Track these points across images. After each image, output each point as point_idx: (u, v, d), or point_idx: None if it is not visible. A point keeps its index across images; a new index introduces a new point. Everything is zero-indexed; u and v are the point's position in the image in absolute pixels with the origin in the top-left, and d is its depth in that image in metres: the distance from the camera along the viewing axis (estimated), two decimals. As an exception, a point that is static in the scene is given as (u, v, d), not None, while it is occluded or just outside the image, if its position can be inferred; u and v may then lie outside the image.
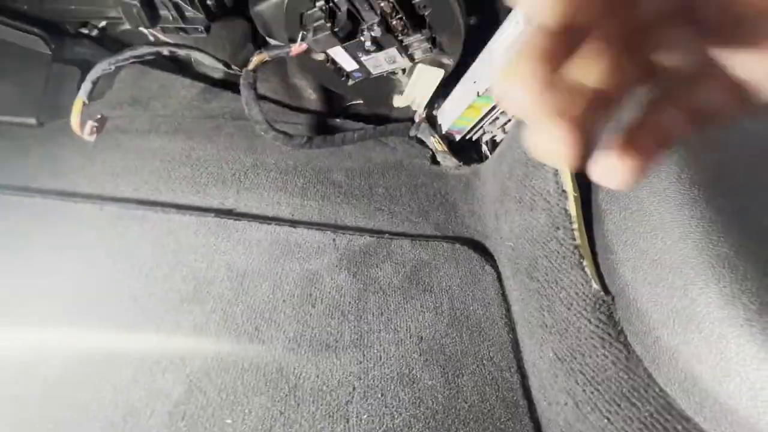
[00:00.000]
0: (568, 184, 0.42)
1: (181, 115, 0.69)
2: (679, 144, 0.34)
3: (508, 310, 0.53)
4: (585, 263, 0.40)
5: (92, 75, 0.54)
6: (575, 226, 0.41)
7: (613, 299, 0.38)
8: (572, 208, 0.41)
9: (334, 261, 0.55)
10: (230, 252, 0.54)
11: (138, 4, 0.55)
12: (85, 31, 0.71)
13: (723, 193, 0.32)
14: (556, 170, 0.44)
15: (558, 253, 0.42)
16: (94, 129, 0.53)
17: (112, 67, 0.55)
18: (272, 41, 0.70)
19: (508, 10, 0.61)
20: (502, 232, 0.58)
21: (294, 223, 0.59)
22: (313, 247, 0.56)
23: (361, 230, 0.62)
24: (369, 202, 0.68)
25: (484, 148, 0.84)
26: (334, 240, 0.57)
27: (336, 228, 0.60)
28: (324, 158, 0.73)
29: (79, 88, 0.60)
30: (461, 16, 0.59)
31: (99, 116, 0.54)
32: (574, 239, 0.41)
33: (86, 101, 0.53)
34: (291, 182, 0.66)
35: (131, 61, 0.56)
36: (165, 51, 0.58)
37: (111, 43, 0.74)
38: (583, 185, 0.43)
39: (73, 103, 0.58)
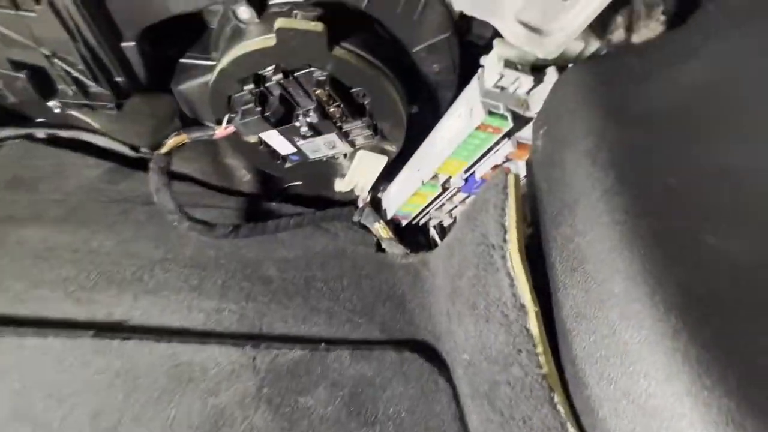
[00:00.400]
0: (527, 297, 0.37)
1: (77, 200, 0.58)
2: (648, 257, 0.30)
3: (468, 442, 0.44)
4: (556, 399, 0.33)
5: None
6: (539, 349, 0.35)
7: (594, 450, 0.31)
8: (534, 327, 0.35)
9: (251, 390, 0.43)
10: (103, 392, 0.40)
11: (23, 77, 0.46)
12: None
13: (707, 319, 0.27)
14: (511, 278, 0.38)
15: (522, 381, 0.35)
16: None
17: None
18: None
19: (450, 101, 0.61)
20: (455, 336, 0.51)
21: (204, 336, 0.47)
22: (224, 372, 0.44)
23: (291, 340, 0.51)
24: (304, 301, 0.58)
25: (432, 232, 0.80)
26: (253, 359, 0.46)
27: (258, 340, 0.49)
28: (254, 248, 0.63)
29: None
30: (402, 105, 0.56)
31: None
32: (540, 367, 0.34)
33: None
34: (209, 280, 0.56)
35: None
36: (39, 133, 0.49)
37: (1, 115, 0.63)
38: (542, 295, 0.38)
39: None
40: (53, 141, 0.62)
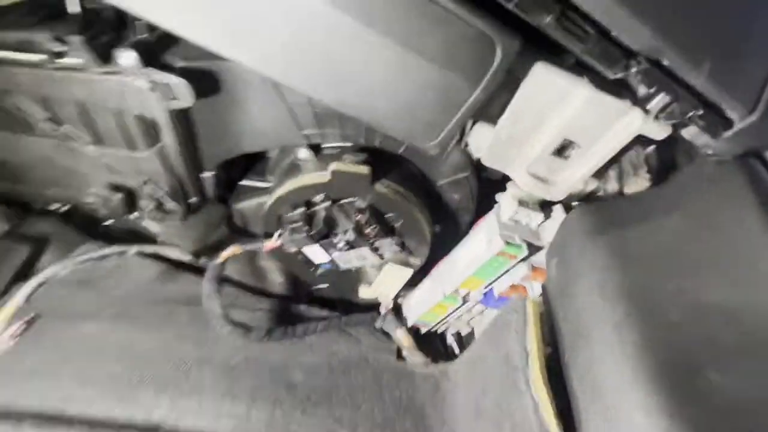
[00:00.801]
0: (552, 422, 0.39)
1: (131, 297, 0.64)
2: (662, 393, 0.34)
3: None
4: None
5: (40, 277, 0.50)
6: (568, 479, 0.36)
7: None
8: (561, 454, 0.37)
9: None
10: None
11: (120, 197, 0.56)
12: (53, 207, 0.71)
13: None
14: (536, 402, 0.41)
15: None
16: (18, 332, 0.46)
17: (66, 271, 0.52)
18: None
19: (468, 223, 0.69)
20: (479, 457, 0.51)
21: (234, 445, 0.48)
22: (253, 486, 0.44)
23: (316, 453, 0.51)
24: (328, 411, 0.59)
25: (450, 339, 0.82)
26: (281, 473, 0.46)
27: (286, 452, 0.50)
28: (282, 351, 0.66)
29: (20, 269, 0.55)
30: (428, 226, 0.65)
31: (31, 315, 0.48)
32: (569, 497, 0.35)
33: (22, 305, 0.47)
34: (239, 383, 0.58)
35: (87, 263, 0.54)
36: (132, 250, 0.57)
37: (78, 219, 0.73)
38: (567, 421, 0.40)
39: (3, 286, 0.52)
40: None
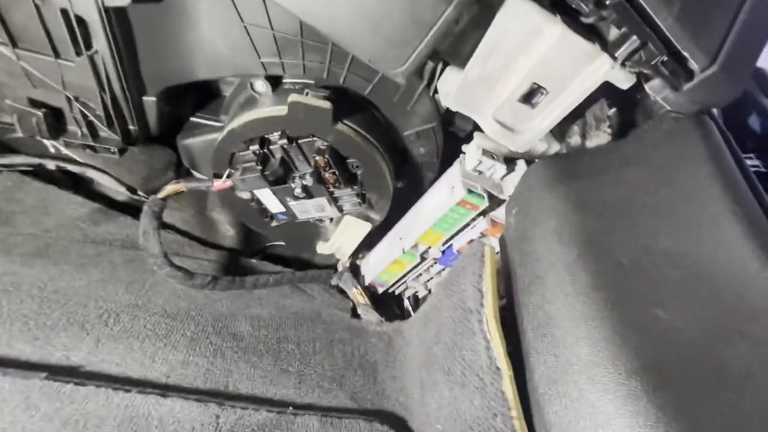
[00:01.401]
0: (502, 360, 0.39)
1: (53, 237, 0.57)
2: (608, 325, 0.34)
3: None
4: (530, 465, 0.33)
5: None
6: (514, 413, 0.35)
7: None
8: (508, 390, 0.37)
9: (210, 452, 0.40)
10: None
11: (41, 114, 0.49)
12: (-36, 131, 0.61)
13: (662, 385, 0.30)
14: (488, 341, 0.40)
15: (497, 448, 0.35)
16: None
17: None
18: (195, 173, 0.67)
19: (431, 181, 0.68)
20: (428, 408, 0.50)
21: (165, 389, 0.44)
22: (184, 429, 0.41)
23: (258, 401, 0.48)
24: (274, 361, 0.56)
25: (407, 303, 0.81)
26: (217, 417, 0.43)
27: (223, 398, 0.46)
28: (228, 302, 0.62)
29: None
30: (390, 178, 0.62)
31: None
32: (515, 430, 0.35)
33: None
34: (177, 331, 0.53)
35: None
36: (50, 165, 0.50)
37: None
38: (517, 363, 0.40)
39: None
40: (45, 176, 0.62)
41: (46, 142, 0.58)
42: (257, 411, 0.46)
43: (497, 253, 0.55)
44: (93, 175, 0.53)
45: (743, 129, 0.74)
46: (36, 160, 0.48)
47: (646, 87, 0.46)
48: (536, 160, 0.55)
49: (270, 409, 0.47)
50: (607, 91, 0.46)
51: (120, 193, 0.68)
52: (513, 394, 0.36)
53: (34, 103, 0.50)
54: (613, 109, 0.53)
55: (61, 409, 0.38)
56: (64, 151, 0.58)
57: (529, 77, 0.45)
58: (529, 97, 0.48)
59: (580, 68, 0.44)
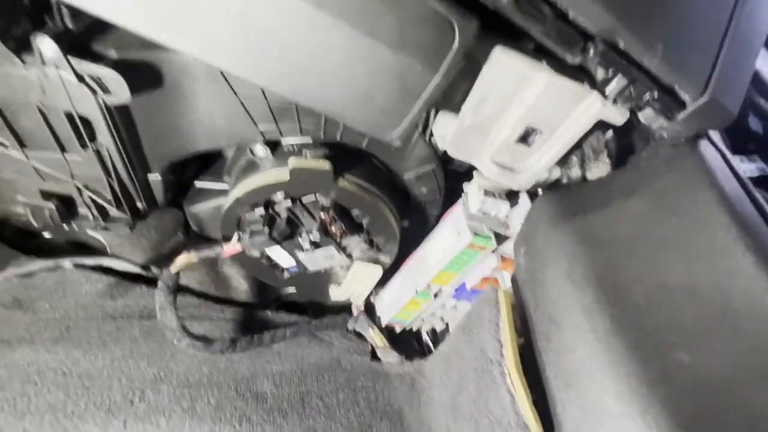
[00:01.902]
0: (529, 416, 0.38)
1: (73, 318, 0.58)
2: (633, 375, 0.34)
3: None
4: None
5: None
6: (547, 472, 0.35)
7: None
8: (539, 447, 0.36)
9: None
10: None
11: (53, 206, 0.51)
12: (-20, 221, 0.63)
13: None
14: (512, 395, 0.40)
15: None
16: None
17: None
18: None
19: (436, 216, 0.68)
20: (458, 456, 0.50)
21: (197, 469, 0.45)
22: None
23: (288, 468, 0.48)
24: (300, 420, 0.56)
25: (425, 337, 0.81)
26: (250, 494, 0.43)
27: (254, 470, 0.46)
28: (248, 361, 0.63)
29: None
30: (396, 222, 0.63)
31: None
32: (550, 490, 0.34)
33: None
34: (201, 400, 0.54)
35: (16, 282, 0.48)
36: (67, 264, 0.51)
37: (9, 231, 0.66)
38: (543, 411, 0.40)
39: None
40: (59, 252, 0.64)
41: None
42: (289, 480, 0.46)
43: (510, 288, 0.55)
44: (108, 263, 0.54)
45: (744, 131, 0.73)
46: (52, 263, 0.49)
47: (640, 116, 0.46)
48: (539, 192, 0.55)
49: (301, 475, 0.47)
50: (601, 122, 0.46)
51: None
52: (544, 451, 0.36)
53: (45, 195, 0.51)
54: (610, 135, 0.54)
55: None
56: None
57: (522, 122, 0.46)
58: (525, 138, 0.48)
59: (572, 108, 0.45)
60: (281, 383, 0.61)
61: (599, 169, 0.51)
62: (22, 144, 0.46)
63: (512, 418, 0.39)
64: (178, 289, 0.59)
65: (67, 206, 0.53)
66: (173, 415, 0.51)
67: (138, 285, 0.65)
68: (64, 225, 0.53)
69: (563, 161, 0.56)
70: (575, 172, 0.53)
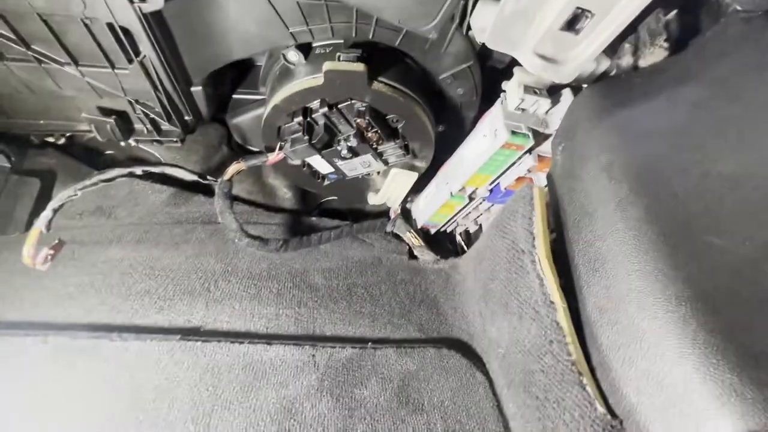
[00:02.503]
0: (555, 295, 0.42)
1: (148, 222, 0.66)
2: (660, 257, 0.36)
3: (506, 426, 0.49)
4: (585, 381, 0.38)
5: (54, 203, 0.51)
6: (569, 339, 0.40)
7: (621, 424, 0.36)
8: (563, 320, 0.41)
9: (314, 383, 0.50)
10: (196, 386, 0.47)
11: (113, 121, 0.55)
12: (51, 139, 0.70)
13: (713, 309, 0.32)
14: (541, 279, 0.44)
15: (554, 368, 0.40)
16: (49, 257, 0.49)
17: (78, 194, 0.52)
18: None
19: (473, 120, 0.67)
20: (489, 333, 0.56)
21: (269, 338, 0.54)
22: (290, 368, 0.51)
23: (342, 340, 0.58)
24: (348, 305, 0.65)
25: (458, 239, 0.85)
26: (313, 356, 0.53)
27: (315, 341, 0.56)
28: (300, 259, 0.70)
29: (38, 202, 0.56)
30: (431, 126, 0.63)
31: (56, 241, 0.50)
32: (570, 354, 0.39)
33: (44, 230, 0.49)
34: (265, 288, 0.63)
35: (100, 185, 0.54)
36: (138, 171, 0.57)
37: (79, 150, 0.73)
38: (569, 294, 0.43)
39: (27, 217, 0.54)
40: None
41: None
42: (343, 348, 0.55)
43: (545, 187, 0.56)
44: (170, 172, 0.60)
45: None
46: (127, 170, 0.55)
47: (712, -14, 0.41)
48: (583, 87, 0.52)
49: (353, 345, 0.56)
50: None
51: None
52: (567, 323, 0.41)
53: (104, 111, 0.55)
54: (673, 14, 0.48)
55: (198, 361, 0.49)
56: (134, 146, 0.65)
57: (572, 2, 0.42)
58: (572, 24, 0.44)
59: (631, -18, 0.40)
60: (330, 277, 0.69)
61: (654, 54, 0.47)
62: (75, 61, 0.48)
63: (539, 298, 0.43)
64: (232, 196, 0.65)
65: (124, 121, 0.57)
66: (244, 300, 0.60)
67: (196, 194, 0.72)
68: (124, 140, 0.58)
69: (613, 50, 0.51)
70: (627, 60, 0.49)
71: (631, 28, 0.49)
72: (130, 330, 0.51)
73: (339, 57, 0.53)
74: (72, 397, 0.45)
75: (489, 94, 0.62)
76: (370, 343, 0.58)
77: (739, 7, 0.41)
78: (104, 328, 0.51)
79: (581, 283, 0.42)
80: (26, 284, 0.55)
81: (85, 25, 0.43)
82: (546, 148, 0.56)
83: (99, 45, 0.46)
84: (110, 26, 0.43)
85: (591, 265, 0.41)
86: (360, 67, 0.52)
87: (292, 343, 0.54)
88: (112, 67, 0.49)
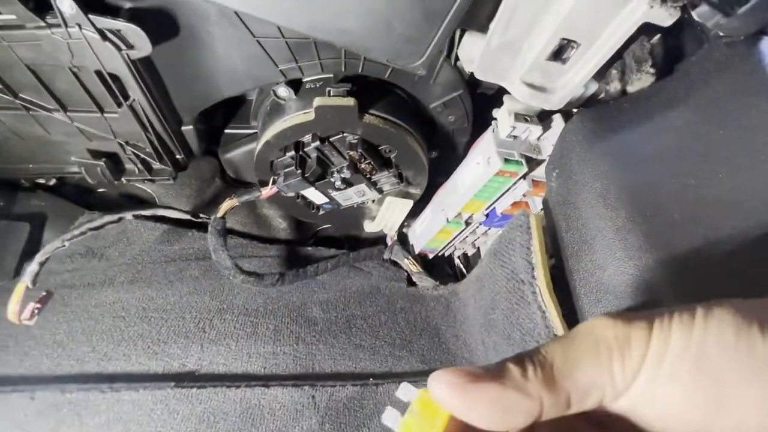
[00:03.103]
0: (559, 328, 0.41)
1: (140, 262, 0.65)
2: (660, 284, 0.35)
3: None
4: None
5: (40, 256, 0.49)
6: (575, 374, 0.39)
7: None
8: (568, 354, 0.40)
9: (314, 427, 0.48)
10: (192, 436, 0.46)
11: (103, 164, 0.54)
12: (41, 181, 0.69)
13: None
14: (543, 311, 0.43)
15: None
16: (36, 311, 0.47)
17: (66, 244, 0.51)
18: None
19: (465, 145, 0.67)
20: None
21: (267, 380, 0.52)
22: (289, 411, 0.49)
23: (343, 377, 0.56)
24: (348, 339, 0.63)
25: (457, 262, 0.85)
26: (313, 397, 0.51)
27: (314, 379, 0.54)
28: (297, 292, 0.69)
29: (27, 246, 0.55)
30: (424, 154, 0.63)
31: (44, 293, 0.49)
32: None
33: (30, 285, 0.48)
34: (262, 325, 0.61)
35: (88, 234, 0.53)
36: (128, 216, 0.56)
37: (70, 190, 0.72)
38: (572, 325, 0.42)
39: (15, 264, 0.53)
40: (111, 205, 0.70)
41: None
42: (344, 386, 0.53)
43: (541, 210, 0.56)
44: (162, 213, 0.59)
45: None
46: (117, 216, 0.54)
47: (694, 14, 0.41)
48: (573, 112, 0.53)
49: (354, 382, 0.54)
50: (646, 26, 0.42)
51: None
52: (572, 357, 0.39)
53: (94, 154, 0.55)
54: (657, 41, 0.49)
55: (193, 409, 0.47)
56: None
57: (557, 34, 0.42)
58: (558, 54, 0.45)
59: (614, 13, 0.41)
60: (328, 309, 0.68)
61: (642, 80, 0.48)
62: (63, 107, 0.48)
63: (543, 330, 0.42)
64: (226, 232, 0.64)
65: (114, 163, 0.56)
66: (240, 339, 0.59)
67: (189, 230, 0.71)
68: (115, 181, 0.57)
69: (601, 75, 0.52)
70: (614, 86, 0.50)
71: (618, 55, 0.49)
72: (123, 379, 0.49)
73: (329, 92, 0.53)
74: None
75: (481, 120, 0.62)
76: (371, 379, 0.56)
77: (721, 33, 0.41)
78: (96, 378, 0.49)
79: (584, 314, 0.41)
80: (13, 334, 0.54)
81: (74, 73, 0.43)
82: (540, 172, 0.56)
83: (88, 91, 0.46)
84: (98, 73, 0.43)
85: (593, 296, 0.40)
86: (350, 101, 0.52)
87: (291, 384, 0.52)
88: (101, 111, 0.49)
